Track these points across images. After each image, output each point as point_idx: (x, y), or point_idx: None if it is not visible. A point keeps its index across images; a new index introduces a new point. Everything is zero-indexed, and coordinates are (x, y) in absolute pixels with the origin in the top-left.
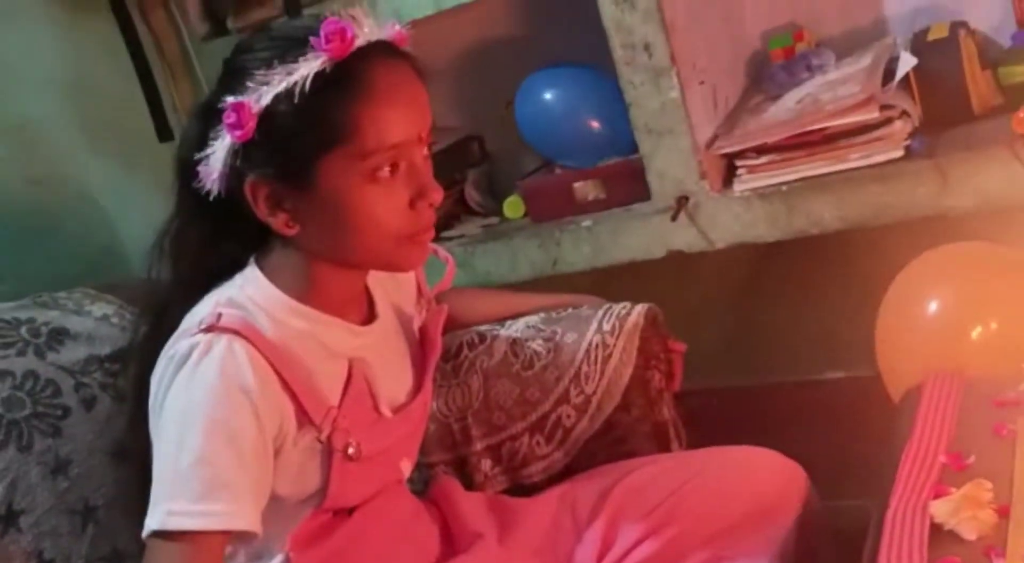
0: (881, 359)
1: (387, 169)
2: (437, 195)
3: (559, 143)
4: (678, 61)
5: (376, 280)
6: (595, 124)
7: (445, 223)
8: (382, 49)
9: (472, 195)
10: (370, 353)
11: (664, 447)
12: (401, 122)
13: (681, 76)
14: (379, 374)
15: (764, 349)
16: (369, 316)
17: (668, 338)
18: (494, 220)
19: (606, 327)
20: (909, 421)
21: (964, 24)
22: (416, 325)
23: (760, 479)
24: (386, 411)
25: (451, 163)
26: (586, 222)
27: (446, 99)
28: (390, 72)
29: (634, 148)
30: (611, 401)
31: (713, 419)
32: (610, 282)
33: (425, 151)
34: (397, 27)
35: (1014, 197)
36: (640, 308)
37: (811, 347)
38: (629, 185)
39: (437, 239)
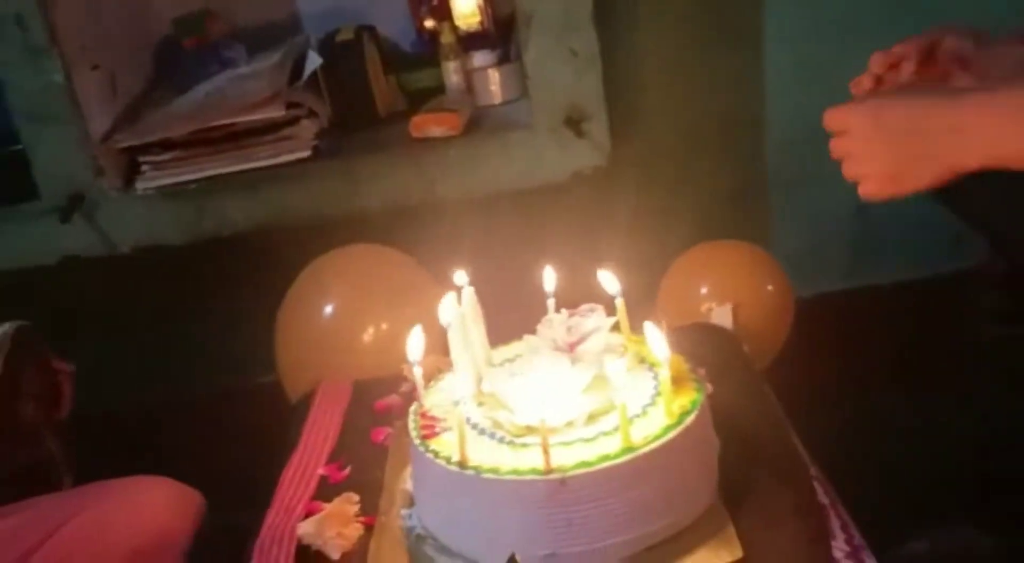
0: (281, 364)
1: None
2: None
3: None
4: (61, 40)
5: None
6: None
7: None
8: None
9: None
10: None
11: (51, 485)
12: None
13: (66, 57)
14: None
15: (183, 360)
16: None
17: (50, 359)
18: None
19: None
20: (296, 433)
21: (371, 28)
22: None
23: (150, 511)
24: None
25: None
26: None
27: None
28: None
29: (16, 139)
30: None
31: (122, 443)
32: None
33: None
34: None
35: (411, 198)
36: (6, 328)
37: (230, 357)
38: (11, 180)
39: None
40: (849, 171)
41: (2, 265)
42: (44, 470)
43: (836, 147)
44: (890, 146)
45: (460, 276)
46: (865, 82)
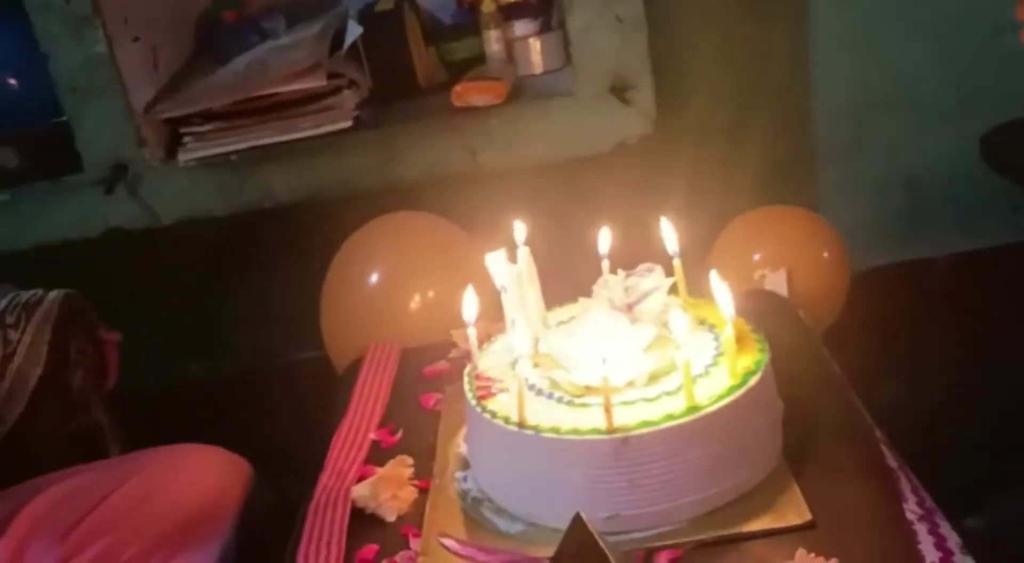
0: (327, 335)
1: None
2: None
3: None
4: (104, 11)
5: None
6: (10, 81)
7: None
8: None
9: None
10: None
11: (99, 454)
12: None
13: (108, 29)
14: None
15: (226, 335)
16: None
17: (98, 328)
18: None
19: (9, 320)
20: (345, 398)
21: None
22: None
23: (198, 477)
24: None
25: None
26: (2, 196)
27: None
28: None
29: (60, 111)
30: (15, 408)
31: (168, 416)
32: (43, 267)
33: None
34: None
35: (452, 168)
36: (55, 295)
37: (274, 330)
38: (56, 153)
39: None
40: None
41: (47, 237)
42: (92, 439)
43: None
44: None
45: (519, 229)
46: None
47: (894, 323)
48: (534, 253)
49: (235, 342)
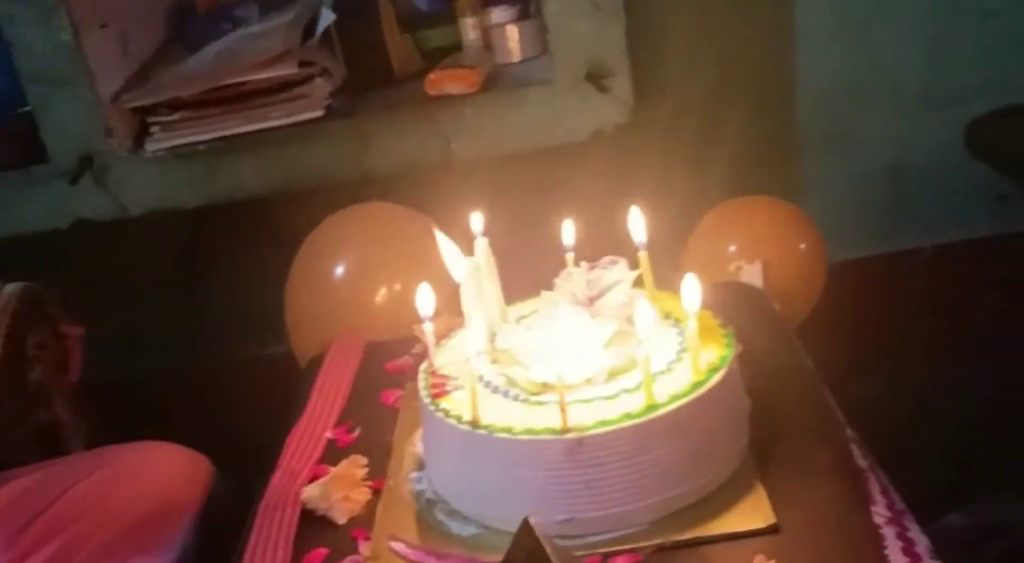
0: (291, 329)
1: None
2: None
3: None
4: None
5: None
6: None
7: None
8: None
9: None
10: None
11: (61, 450)
12: None
13: (75, 16)
14: None
15: (196, 328)
16: None
17: (60, 323)
18: None
19: None
20: (305, 394)
21: None
22: None
23: (158, 475)
24: None
25: None
26: None
27: None
28: None
29: (25, 100)
30: None
31: (134, 410)
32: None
33: None
34: None
35: (426, 158)
36: (12, 288)
37: (245, 323)
38: (21, 144)
39: None
40: None
41: (14, 229)
42: (54, 435)
43: None
44: None
45: (476, 220)
46: None
47: (875, 316)
48: (506, 246)
49: (205, 335)
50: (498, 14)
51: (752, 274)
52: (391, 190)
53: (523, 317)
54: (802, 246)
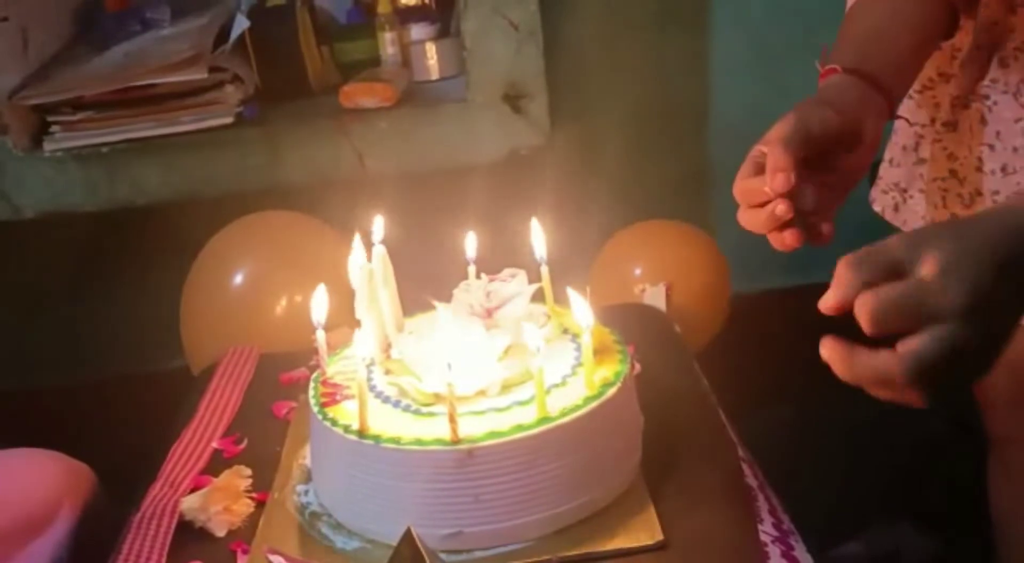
0: (186, 341)
1: None
2: None
3: None
4: None
5: None
6: None
7: None
8: None
9: None
10: None
11: None
12: None
13: None
14: None
15: (90, 338)
16: None
17: None
18: None
19: None
20: (193, 404)
21: None
22: None
23: (29, 482)
24: None
25: None
26: None
27: None
28: None
29: None
30: None
31: (23, 422)
32: None
33: None
34: None
35: (338, 171)
36: None
37: (142, 334)
38: None
39: None
40: None
41: None
42: None
43: None
44: None
45: (377, 226)
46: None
47: (781, 345)
48: (416, 260)
49: (100, 346)
50: (417, 31)
51: (655, 296)
52: (302, 201)
53: (418, 328)
54: (706, 271)
